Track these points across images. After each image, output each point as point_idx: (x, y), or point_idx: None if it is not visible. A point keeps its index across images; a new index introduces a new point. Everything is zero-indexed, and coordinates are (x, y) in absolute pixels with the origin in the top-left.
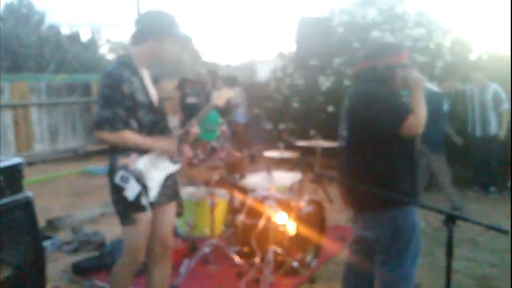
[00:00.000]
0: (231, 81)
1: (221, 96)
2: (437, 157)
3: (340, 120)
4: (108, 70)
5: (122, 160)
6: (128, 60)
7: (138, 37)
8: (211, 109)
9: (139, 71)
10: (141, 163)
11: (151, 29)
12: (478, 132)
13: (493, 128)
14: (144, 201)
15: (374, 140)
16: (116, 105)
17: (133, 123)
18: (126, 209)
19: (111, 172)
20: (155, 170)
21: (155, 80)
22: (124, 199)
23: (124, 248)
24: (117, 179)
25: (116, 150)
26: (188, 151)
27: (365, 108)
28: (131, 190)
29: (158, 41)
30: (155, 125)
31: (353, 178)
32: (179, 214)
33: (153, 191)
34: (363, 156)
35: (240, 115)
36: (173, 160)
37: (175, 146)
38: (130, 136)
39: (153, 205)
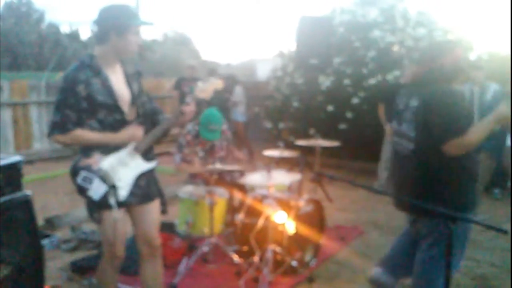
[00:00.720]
0: (231, 80)
1: (206, 88)
2: None
3: (392, 118)
4: (65, 73)
5: (84, 161)
6: (88, 60)
7: (100, 36)
8: (194, 100)
9: (103, 71)
10: (106, 163)
11: (110, 25)
12: None
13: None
14: (111, 200)
15: (439, 144)
16: (67, 107)
17: (94, 124)
18: (93, 208)
19: (74, 173)
20: (124, 169)
21: (133, 76)
22: (89, 199)
23: (102, 245)
24: (79, 180)
25: (80, 151)
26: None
27: (433, 112)
28: (95, 190)
29: (119, 35)
30: (123, 124)
31: (415, 180)
32: (163, 211)
33: (123, 191)
34: (427, 160)
35: (240, 114)
36: (147, 158)
37: (138, 132)
38: (82, 134)
39: (124, 204)
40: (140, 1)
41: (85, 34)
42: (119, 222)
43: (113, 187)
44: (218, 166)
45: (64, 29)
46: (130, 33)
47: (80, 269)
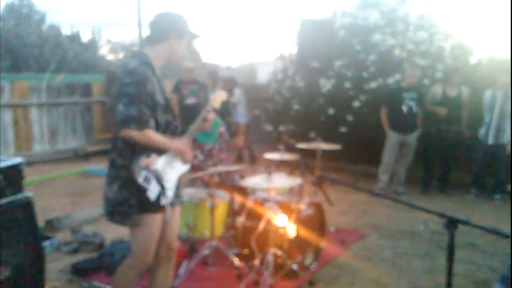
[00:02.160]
0: (230, 82)
1: (216, 98)
2: None
3: None
4: (131, 68)
5: (144, 161)
6: (147, 59)
7: (155, 37)
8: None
9: (156, 71)
10: (160, 163)
11: (170, 28)
12: (490, 139)
13: (506, 136)
14: (163, 201)
15: None
16: (142, 103)
17: (152, 123)
18: (138, 209)
19: (134, 173)
20: (171, 170)
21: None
22: (143, 199)
23: (133, 250)
24: (140, 179)
25: (136, 150)
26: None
27: None
28: (153, 190)
29: (177, 38)
30: (169, 125)
31: None
32: None
33: (171, 192)
34: None
35: (241, 116)
36: (184, 161)
37: (190, 147)
38: (154, 136)
39: (170, 206)
40: (141, 3)
41: (86, 36)
42: (160, 227)
43: (163, 188)
44: (218, 168)
45: (65, 31)
46: (185, 39)
47: (81, 271)
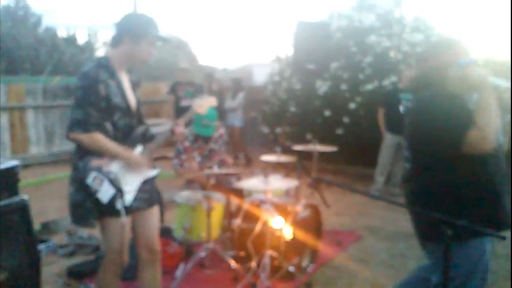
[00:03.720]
0: (236, 85)
1: (203, 104)
2: None
3: (403, 137)
4: (84, 71)
5: (95, 161)
6: (106, 62)
7: (116, 40)
8: (192, 115)
9: (118, 74)
10: (116, 165)
11: (127, 30)
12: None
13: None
14: (119, 205)
15: (437, 161)
16: (89, 105)
17: (108, 126)
18: (97, 213)
19: (83, 173)
20: (130, 174)
21: (136, 84)
22: (96, 202)
23: (104, 251)
24: (89, 180)
25: (88, 152)
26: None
27: (422, 124)
28: (105, 193)
29: (133, 41)
30: (131, 129)
31: (417, 204)
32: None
33: (129, 195)
34: (425, 180)
35: (237, 119)
36: (151, 166)
37: (145, 164)
38: (101, 139)
39: (130, 209)
40: (137, 5)
41: (82, 38)
42: (125, 228)
43: (120, 191)
44: (216, 170)
45: (61, 33)
46: (144, 41)
47: (77, 274)
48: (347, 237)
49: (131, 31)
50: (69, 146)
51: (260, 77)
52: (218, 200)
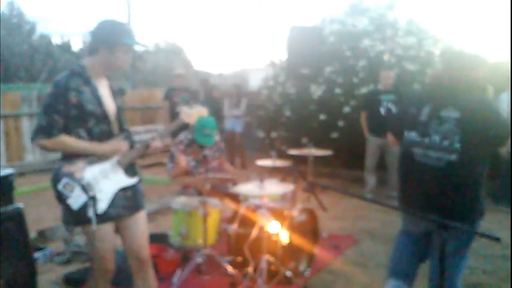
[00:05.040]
0: (238, 91)
1: (192, 113)
2: None
3: (409, 129)
4: (56, 79)
5: (67, 167)
6: (80, 69)
7: (91, 48)
8: (178, 126)
9: (93, 81)
10: (89, 172)
11: (101, 39)
12: None
13: None
14: (90, 212)
15: (484, 154)
16: (54, 112)
17: (82, 133)
18: (70, 218)
19: (55, 179)
20: (105, 181)
21: (120, 92)
22: (67, 208)
23: (92, 259)
24: (60, 186)
25: (63, 157)
26: (182, 160)
27: (483, 121)
28: (76, 199)
29: (108, 50)
30: (109, 136)
31: (456, 189)
32: None
33: (102, 203)
34: (472, 169)
35: (239, 125)
36: (130, 173)
37: (123, 146)
38: (67, 140)
39: (106, 217)
40: (132, 12)
41: (77, 45)
42: (107, 236)
43: (92, 199)
44: (212, 175)
45: (56, 40)
46: (119, 49)
47: (74, 281)
48: (344, 241)
49: (106, 39)
50: None
51: (255, 82)
52: (214, 205)
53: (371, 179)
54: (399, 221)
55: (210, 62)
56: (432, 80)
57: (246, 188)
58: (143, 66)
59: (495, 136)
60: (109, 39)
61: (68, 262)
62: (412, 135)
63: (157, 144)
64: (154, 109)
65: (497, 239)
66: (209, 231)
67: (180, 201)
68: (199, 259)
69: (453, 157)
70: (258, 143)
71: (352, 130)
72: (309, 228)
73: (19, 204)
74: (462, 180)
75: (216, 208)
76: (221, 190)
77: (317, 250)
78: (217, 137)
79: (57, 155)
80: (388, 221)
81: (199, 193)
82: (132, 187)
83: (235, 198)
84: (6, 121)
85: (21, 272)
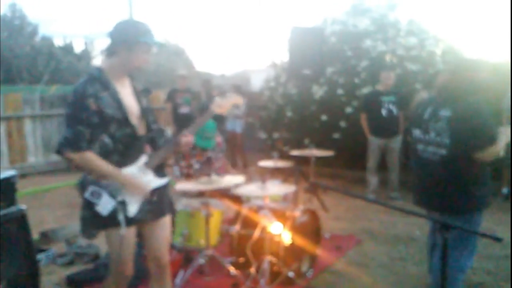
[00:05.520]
0: (239, 92)
1: (224, 103)
2: None
3: (415, 126)
4: (74, 86)
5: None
6: (97, 73)
7: (109, 49)
8: (210, 117)
9: (112, 84)
10: None
11: (121, 39)
12: None
13: None
14: (120, 216)
15: (469, 152)
16: (78, 123)
17: (106, 139)
18: (98, 224)
19: (82, 187)
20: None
21: (145, 91)
22: (96, 214)
23: (110, 263)
24: (87, 194)
25: None
26: (187, 141)
27: (474, 121)
28: (104, 206)
29: (128, 50)
30: (133, 139)
31: (447, 181)
32: None
33: (133, 207)
34: (462, 163)
35: (239, 126)
36: (158, 174)
37: (147, 191)
38: (93, 159)
39: (132, 221)
40: (134, 13)
41: (79, 47)
42: (130, 240)
43: (122, 203)
44: (215, 178)
45: (58, 42)
46: (139, 49)
47: (76, 283)
48: (346, 242)
49: (125, 39)
50: None
51: (257, 82)
52: (216, 206)
53: (373, 180)
54: (401, 222)
55: (212, 63)
56: (438, 83)
57: (248, 189)
58: (146, 67)
59: (476, 141)
60: (128, 38)
61: (70, 263)
62: (417, 132)
63: (188, 139)
64: (157, 110)
65: (499, 239)
66: (211, 232)
67: (182, 202)
68: (201, 260)
69: (444, 151)
70: (260, 144)
71: (354, 130)
72: (311, 229)
73: (22, 205)
74: (453, 173)
75: (218, 209)
76: (223, 191)
77: (319, 251)
78: (218, 138)
79: (59, 157)
80: (390, 221)
81: (201, 194)
82: (160, 191)
83: (237, 199)
84: (8, 123)
85: (24, 274)
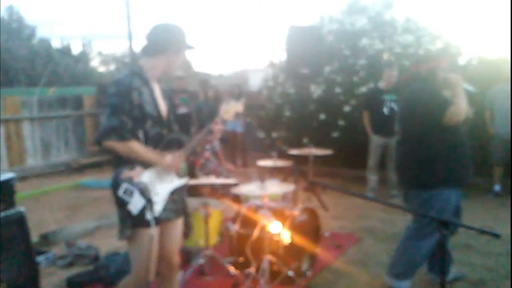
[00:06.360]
0: (237, 91)
1: (229, 110)
2: None
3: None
4: (118, 78)
5: (126, 173)
6: (139, 70)
7: (153, 49)
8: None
9: (150, 82)
10: (146, 176)
11: (170, 41)
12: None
13: None
14: (148, 215)
15: (419, 131)
16: (124, 113)
17: (140, 134)
18: (130, 223)
19: (115, 185)
20: (161, 184)
21: (166, 93)
22: (128, 213)
23: (131, 267)
24: (120, 192)
25: (120, 162)
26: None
27: (413, 104)
28: (135, 204)
29: (175, 52)
30: (162, 138)
31: (402, 163)
32: (186, 234)
33: (159, 206)
34: (412, 144)
35: (240, 125)
36: (180, 174)
37: (180, 163)
38: (138, 147)
39: (159, 220)
40: (131, 14)
41: (77, 48)
42: (155, 241)
43: (150, 202)
44: (213, 178)
45: (56, 44)
46: (183, 52)
47: (76, 284)
48: (346, 240)
49: (174, 41)
50: (66, 157)
51: (255, 82)
52: (215, 206)
53: (373, 178)
54: (400, 219)
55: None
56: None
57: (247, 188)
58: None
59: (425, 110)
60: (178, 41)
61: (70, 265)
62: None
63: (219, 128)
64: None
65: (497, 236)
66: (210, 232)
67: None
68: (201, 260)
69: (397, 133)
70: (258, 144)
71: (352, 129)
72: (311, 228)
73: (21, 208)
74: (408, 153)
75: (217, 209)
76: (222, 191)
77: (319, 250)
78: (206, 154)
79: (59, 159)
80: (390, 219)
81: (200, 194)
82: (179, 191)
83: (236, 198)
84: (7, 126)
85: (24, 276)
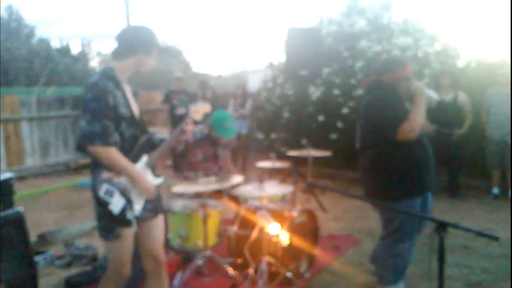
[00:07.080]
0: (241, 92)
1: (198, 110)
2: None
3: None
4: (93, 82)
5: (106, 173)
6: (111, 73)
7: (123, 52)
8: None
9: (122, 84)
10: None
11: (139, 42)
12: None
13: None
14: (129, 215)
15: (377, 141)
16: (105, 117)
17: (116, 137)
18: (111, 223)
19: (95, 186)
20: None
21: (134, 94)
22: (109, 213)
23: (109, 263)
24: (101, 193)
25: (99, 164)
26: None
27: (370, 115)
28: (116, 204)
29: (145, 53)
30: (137, 139)
31: (362, 174)
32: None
33: (138, 205)
34: (369, 155)
35: (245, 127)
36: (155, 175)
37: (153, 191)
38: (118, 156)
39: (138, 219)
40: (130, 15)
41: (76, 48)
42: (132, 240)
43: (129, 202)
44: (212, 179)
45: (55, 44)
46: (154, 52)
47: (74, 285)
48: (344, 241)
49: (144, 42)
50: (64, 157)
51: (254, 83)
52: (214, 207)
53: None
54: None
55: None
56: None
57: (246, 189)
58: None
59: (378, 123)
60: (147, 41)
61: (68, 265)
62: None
63: (190, 128)
64: (153, 111)
65: (496, 238)
66: (209, 232)
67: (180, 203)
68: (199, 261)
69: (358, 144)
70: (257, 145)
71: (351, 130)
72: (309, 229)
73: (19, 208)
74: (366, 164)
75: (216, 209)
76: (221, 192)
77: (317, 251)
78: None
79: (58, 159)
80: None
81: (199, 195)
82: (156, 190)
83: (235, 199)
84: (5, 125)
85: (22, 276)
